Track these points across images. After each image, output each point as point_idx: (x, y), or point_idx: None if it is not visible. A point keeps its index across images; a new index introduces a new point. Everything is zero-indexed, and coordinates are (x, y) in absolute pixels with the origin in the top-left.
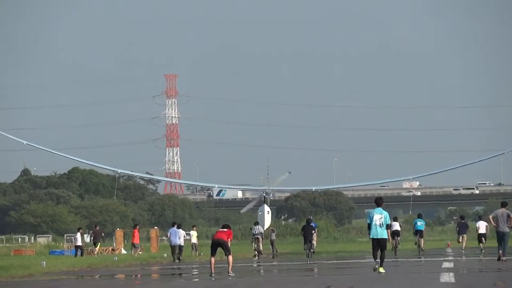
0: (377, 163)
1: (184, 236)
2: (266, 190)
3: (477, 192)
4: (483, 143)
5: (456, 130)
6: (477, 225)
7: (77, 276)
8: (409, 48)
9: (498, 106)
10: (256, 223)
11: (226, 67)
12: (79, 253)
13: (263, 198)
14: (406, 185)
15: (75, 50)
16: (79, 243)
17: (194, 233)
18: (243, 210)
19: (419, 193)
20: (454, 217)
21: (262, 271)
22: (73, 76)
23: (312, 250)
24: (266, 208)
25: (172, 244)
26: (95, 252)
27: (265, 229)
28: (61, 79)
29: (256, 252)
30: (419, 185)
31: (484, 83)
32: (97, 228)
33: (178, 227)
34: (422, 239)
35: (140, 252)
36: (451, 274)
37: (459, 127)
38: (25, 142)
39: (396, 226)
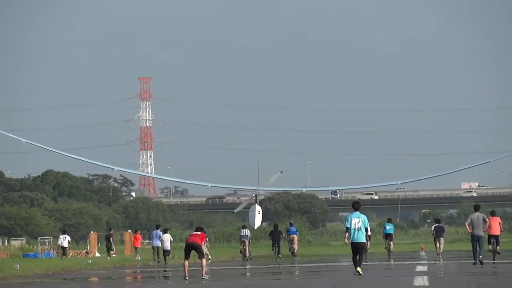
0: (366, 167)
1: (170, 241)
2: (256, 191)
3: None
4: (476, 146)
5: (445, 133)
6: (434, 228)
7: (51, 279)
8: (409, 49)
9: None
10: (244, 226)
11: (200, 70)
12: (52, 255)
13: (254, 198)
14: (465, 185)
15: (49, 53)
16: (65, 244)
17: (167, 237)
18: (237, 210)
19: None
20: (428, 220)
21: (235, 274)
22: (47, 79)
23: (279, 255)
24: (257, 208)
25: (153, 246)
26: (111, 256)
27: (255, 227)
28: (34, 82)
29: (242, 255)
30: (478, 185)
31: (486, 86)
32: (112, 232)
33: (165, 231)
34: (391, 243)
35: (114, 255)
36: (425, 277)
37: (447, 130)
38: (24, 140)
39: (390, 229)
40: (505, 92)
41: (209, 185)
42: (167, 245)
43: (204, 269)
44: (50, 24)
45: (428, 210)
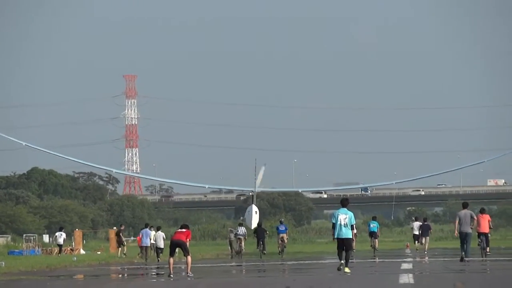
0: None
1: (163, 239)
2: (252, 191)
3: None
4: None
5: (445, 131)
6: (412, 227)
7: (36, 277)
8: (406, 48)
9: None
10: (240, 224)
11: (185, 68)
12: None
13: (251, 198)
14: (491, 182)
15: (36, 50)
16: (61, 241)
17: (153, 234)
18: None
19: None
20: (413, 218)
21: (220, 271)
22: (33, 77)
23: (264, 252)
24: (254, 208)
25: (143, 245)
26: (122, 253)
27: (252, 227)
28: (20, 80)
29: (235, 250)
30: (505, 182)
31: (483, 83)
32: (123, 227)
33: (158, 229)
34: (376, 240)
35: (99, 252)
36: (410, 275)
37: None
38: (24, 143)
39: (374, 227)
40: (497, 91)
41: (207, 186)
42: (161, 243)
43: (189, 267)
44: (36, 22)
45: (413, 208)
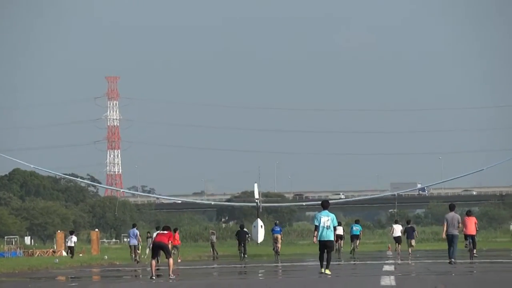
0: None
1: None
2: (258, 202)
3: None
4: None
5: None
6: (393, 229)
7: (18, 278)
8: (405, 49)
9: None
10: (242, 227)
11: (167, 69)
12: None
13: (256, 211)
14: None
15: (17, 52)
16: (70, 244)
17: (73, 238)
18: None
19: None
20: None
21: (202, 274)
22: (14, 78)
23: (245, 255)
24: (260, 222)
25: (131, 245)
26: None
27: (259, 242)
28: (1, 80)
29: (241, 254)
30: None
31: (482, 84)
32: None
33: (157, 229)
34: (358, 241)
35: (81, 254)
36: (392, 277)
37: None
38: (32, 166)
39: (340, 230)
40: (498, 92)
41: (212, 203)
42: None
43: (171, 269)
44: (17, 24)
45: (395, 210)
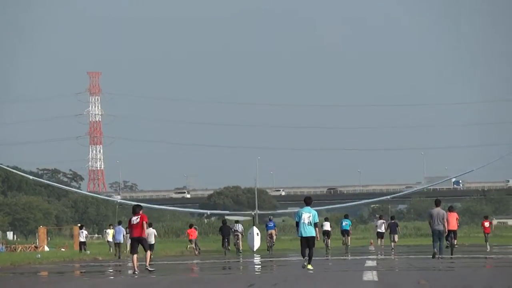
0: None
1: (155, 235)
2: (255, 212)
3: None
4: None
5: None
6: (377, 224)
7: (0, 274)
8: (388, 46)
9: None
10: (237, 222)
11: (149, 65)
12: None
13: (252, 220)
14: None
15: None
16: (82, 239)
17: (110, 232)
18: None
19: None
20: (377, 215)
21: (184, 269)
22: None
23: (229, 249)
24: (255, 230)
25: (117, 242)
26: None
27: (255, 250)
28: None
29: (235, 248)
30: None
31: (468, 81)
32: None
33: (150, 226)
34: (349, 238)
35: (63, 250)
36: (374, 272)
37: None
38: (31, 177)
39: (327, 226)
40: (482, 87)
41: (208, 212)
42: (152, 239)
43: (148, 261)
44: None
45: (377, 205)
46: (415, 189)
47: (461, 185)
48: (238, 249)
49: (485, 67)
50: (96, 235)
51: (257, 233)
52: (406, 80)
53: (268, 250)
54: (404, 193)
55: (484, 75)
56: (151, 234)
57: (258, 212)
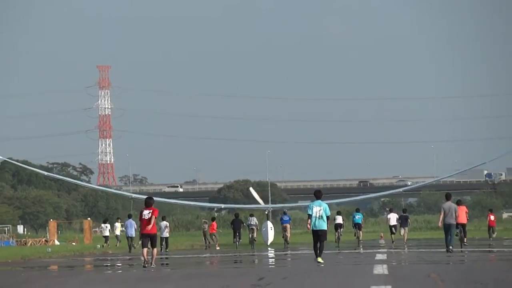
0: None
1: (166, 227)
2: (269, 208)
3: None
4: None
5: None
6: (388, 217)
7: (11, 267)
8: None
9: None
10: (251, 215)
11: (158, 58)
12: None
13: (266, 215)
14: None
15: (9, 41)
16: (106, 233)
17: (118, 225)
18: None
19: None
20: (387, 209)
21: (195, 262)
22: (6, 68)
23: (240, 242)
24: (269, 224)
25: (128, 236)
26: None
27: (268, 243)
28: None
29: (250, 241)
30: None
31: (456, 73)
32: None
33: (163, 219)
34: (360, 232)
35: (74, 243)
36: (385, 265)
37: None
38: (45, 173)
39: (339, 219)
40: (467, 81)
41: (222, 206)
42: (165, 233)
43: (154, 259)
44: (10, 13)
45: (387, 199)
46: (444, 176)
47: (493, 178)
48: (252, 242)
49: (497, 60)
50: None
51: (271, 227)
52: (417, 74)
53: (284, 243)
54: (438, 179)
55: (494, 69)
56: (163, 227)
57: (272, 206)
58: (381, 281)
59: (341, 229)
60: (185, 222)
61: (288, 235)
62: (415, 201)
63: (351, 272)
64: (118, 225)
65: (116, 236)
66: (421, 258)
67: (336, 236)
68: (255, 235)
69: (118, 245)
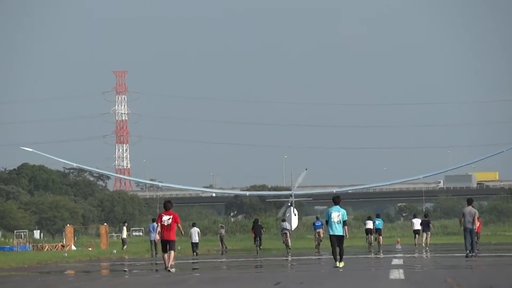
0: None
1: (198, 234)
2: (291, 194)
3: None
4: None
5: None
6: (412, 222)
7: (27, 272)
8: (397, 42)
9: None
10: (283, 220)
11: (175, 63)
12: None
13: (289, 202)
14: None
15: (26, 47)
16: (124, 236)
17: (125, 229)
18: (279, 214)
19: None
20: (404, 214)
21: (211, 267)
22: (24, 73)
23: (261, 247)
24: (293, 210)
25: (152, 239)
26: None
27: (292, 229)
28: (10, 75)
29: (284, 245)
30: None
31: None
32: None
33: (193, 225)
34: (381, 237)
35: (90, 249)
36: (401, 270)
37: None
38: (75, 164)
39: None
40: (489, 86)
41: (247, 193)
42: (196, 238)
43: (171, 261)
44: (26, 19)
45: (404, 204)
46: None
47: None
48: (287, 246)
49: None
50: (117, 234)
51: (295, 214)
52: (432, 78)
53: (316, 248)
54: (443, 171)
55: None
56: (194, 233)
57: (295, 192)
58: (397, 286)
59: (379, 234)
60: (201, 227)
61: (321, 239)
62: (431, 206)
63: (368, 277)
64: (124, 228)
65: (123, 239)
66: (438, 263)
67: (376, 240)
68: (288, 239)
69: (124, 248)
